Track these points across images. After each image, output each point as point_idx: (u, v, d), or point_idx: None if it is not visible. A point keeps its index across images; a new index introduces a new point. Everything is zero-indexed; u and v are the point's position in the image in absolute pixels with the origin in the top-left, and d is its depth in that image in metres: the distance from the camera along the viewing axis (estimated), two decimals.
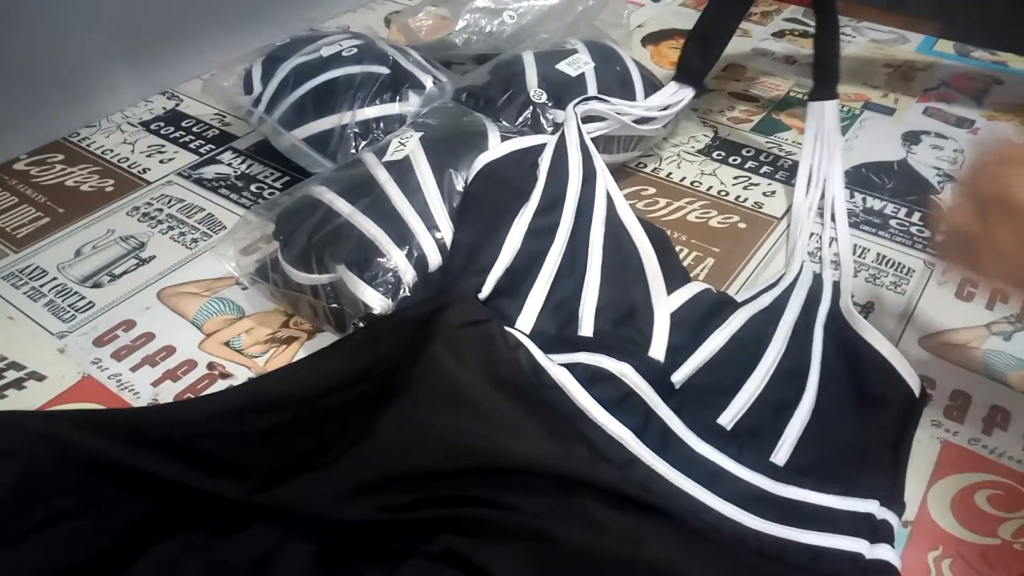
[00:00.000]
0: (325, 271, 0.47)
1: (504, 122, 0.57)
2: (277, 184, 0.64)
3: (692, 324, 0.45)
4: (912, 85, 0.76)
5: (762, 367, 0.45)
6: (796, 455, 0.42)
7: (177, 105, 0.75)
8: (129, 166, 0.67)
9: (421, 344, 0.41)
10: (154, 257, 0.57)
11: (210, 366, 0.49)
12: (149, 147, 0.69)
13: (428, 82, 0.61)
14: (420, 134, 0.51)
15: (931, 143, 0.68)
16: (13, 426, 0.41)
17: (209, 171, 0.66)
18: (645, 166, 0.65)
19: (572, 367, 0.41)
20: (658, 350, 0.43)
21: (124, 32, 0.72)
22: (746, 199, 0.62)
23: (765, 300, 0.49)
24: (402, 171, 0.48)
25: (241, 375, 0.49)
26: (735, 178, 0.64)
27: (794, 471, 0.41)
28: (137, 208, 0.62)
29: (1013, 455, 0.43)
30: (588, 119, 0.56)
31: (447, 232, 0.46)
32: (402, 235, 0.46)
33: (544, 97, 0.58)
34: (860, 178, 0.64)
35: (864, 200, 0.62)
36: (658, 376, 0.42)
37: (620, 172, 0.64)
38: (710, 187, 0.63)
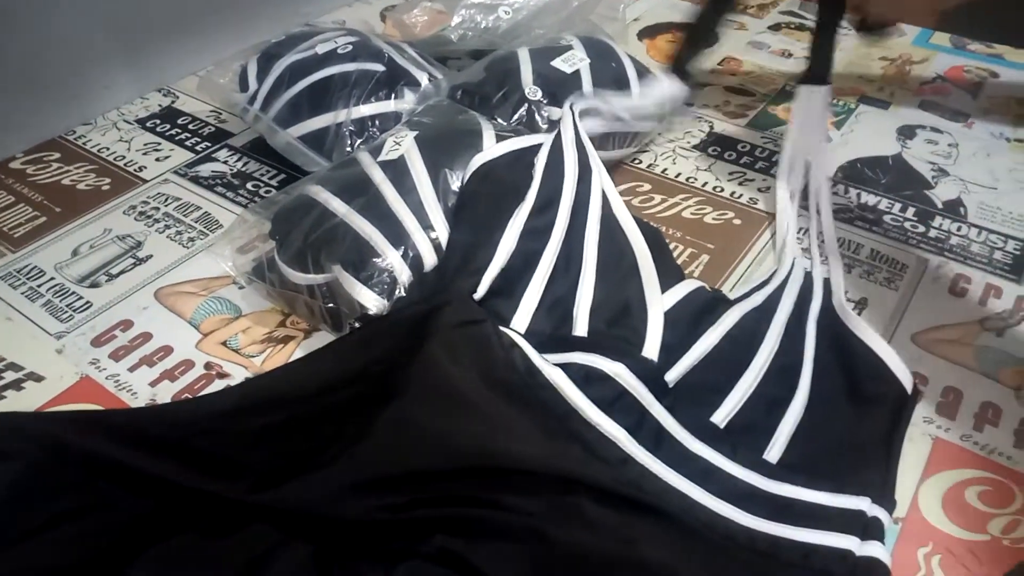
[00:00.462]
0: (321, 271, 0.47)
1: (499, 119, 0.58)
2: (273, 182, 0.64)
3: (686, 322, 0.45)
4: (908, 78, 0.76)
5: (755, 365, 0.45)
6: (789, 452, 0.43)
7: (173, 102, 0.75)
8: (125, 164, 0.67)
9: (417, 345, 0.41)
10: (151, 256, 0.58)
11: (207, 366, 0.49)
12: (145, 145, 0.69)
13: (423, 79, 0.61)
14: (415, 133, 0.51)
15: (926, 137, 0.68)
16: (13, 427, 0.41)
17: (205, 169, 0.66)
18: (640, 162, 0.66)
19: (566, 367, 0.41)
20: (652, 349, 0.43)
21: (120, 30, 0.72)
22: (741, 195, 0.62)
23: (758, 298, 0.50)
24: (397, 171, 0.49)
25: (238, 375, 0.49)
26: (730, 174, 0.64)
27: (787, 468, 0.42)
28: (134, 207, 0.62)
29: (1004, 451, 0.44)
30: (586, 115, 0.57)
31: (442, 232, 0.46)
32: (397, 235, 0.46)
33: (539, 94, 0.58)
34: (855, 173, 0.64)
35: (859, 195, 0.62)
36: (652, 375, 0.42)
37: (616, 168, 0.64)
38: (705, 183, 0.63)
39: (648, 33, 0.85)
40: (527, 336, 0.44)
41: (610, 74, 0.61)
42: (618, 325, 0.44)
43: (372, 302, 0.45)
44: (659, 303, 0.45)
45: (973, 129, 0.69)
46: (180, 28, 0.77)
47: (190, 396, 0.48)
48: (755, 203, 0.61)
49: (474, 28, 0.68)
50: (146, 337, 0.52)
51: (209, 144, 0.69)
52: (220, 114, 0.73)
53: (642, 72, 0.64)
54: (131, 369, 0.49)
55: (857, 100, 0.73)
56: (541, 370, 0.41)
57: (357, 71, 0.60)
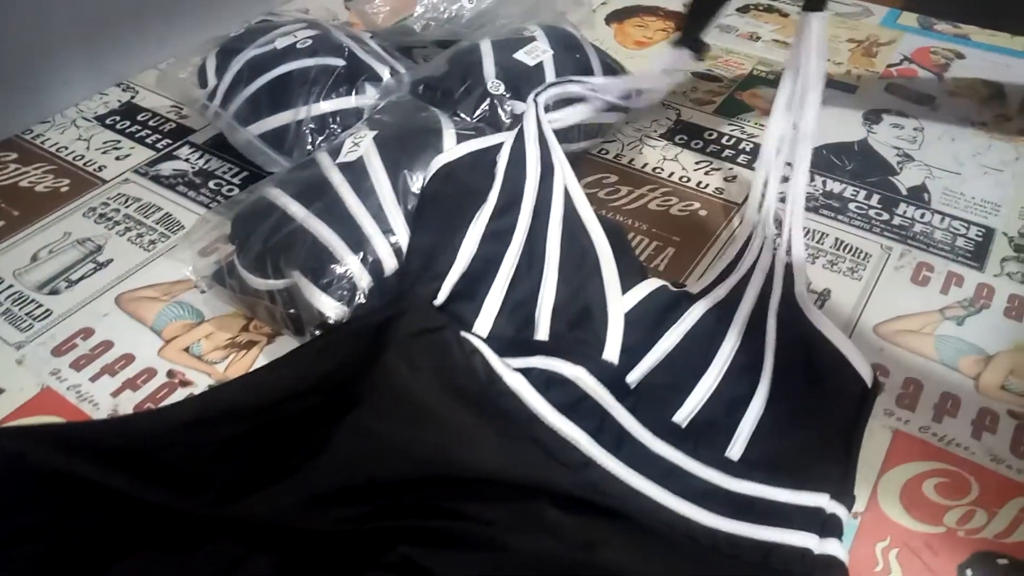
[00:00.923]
0: (281, 276, 0.47)
1: (462, 114, 0.57)
2: (235, 180, 0.64)
3: (647, 323, 0.45)
4: (875, 61, 0.76)
5: (716, 363, 0.45)
6: (750, 449, 0.43)
7: (133, 97, 0.74)
8: (84, 164, 0.66)
9: (376, 354, 0.41)
10: (111, 260, 0.57)
11: (170, 374, 0.49)
12: (104, 143, 0.68)
13: (385, 74, 0.60)
14: (374, 133, 0.50)
15: (892, 122, 0.68)
16: None
17: (166, 167, 0.65)
18: (607, 152, 0.65)
19: (527, 372, 0.41)
20: (612, 352, 0.43)
21: (76, 22, 0.70)
22: (707, 185, 0.62)
23: (720, 292, 0.50)
24: (356, 173, 0.48)
25: (201, 382, 0.49)
26: (697, 163, 0.64)
27: (748, 465, 0.42)
28: (94, 209, 0.61)
29: (961, 442, 0.44)
30: (561, 103, 0.56)
31: (402, 235, 0.46)
32: (357, 240, 0.46)
33: (502, 88, 0.57)
34: (821, 160, 0.64)
35: (824, 183, 0.62)
36: (613, 378, 0.42)
37: (583, 160, 0.64)
38: (672, 173, 0.63)
39: (616, 17, 0.84)
40: (490, 340, 0.44)
41: (574, 66, 0.60)
42: (579, 328, 0.44)
43: (332, 309, 0.44)
44: (619, 305, 0.45)
45: (939, 112, 0.69)
46: (139, 19, 0.75)
47: (152, 406, 0.47)
48: (720, 193, 0.61)
49: (437, 18, 0.67)
50: (107, 345, 0.51)
51: (170, 141, 0.68)
52: (181, 110, 0.72)
53: (608, 64, 0.63)
54: (92, 379, 0.49)
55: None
56: (501, 376, 0.41)
57: (316, 67, 0.59)
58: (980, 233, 0.57)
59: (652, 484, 0.40)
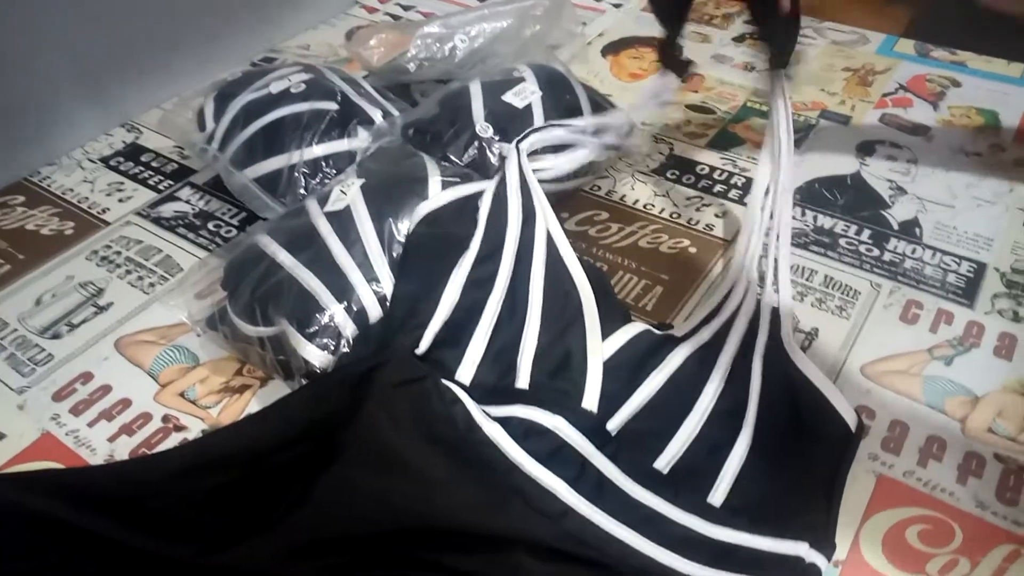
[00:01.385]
0: (270, 324, 0.48)
1: (452, 156, 0.58)
2: (234, 221, 0.65)
3: (628, 368, 0.46)
4: (870, 90, 0.76)
5: (698, 408, 0.45)
6: (732, 495, 0.43)
7: (137, 138, 0.76)
8: (89, 207, 0.67)
9: (359, 403, 0.42)
10: (112, 304, 0.58)
11: (165, 419, 0.50)
12: (109, 185, 0.70)
13: (377, 117, 0.62)
14: (361, 181, 0.51)
15: (885, 153, 0.68)
16: None
17: (167, 209, 0.67)
18: (599, 189, 0.66)
19: (507, 421, 0.42)
20: (591, 401, 0.44)
21: (81, 66, 0.72)
22: (698, 221, 0.62)
23: (705, 335, 0.50)
24: (342, 221, 0.49)
25: (194, 427, 0.50)
26: (688, 199, 0.65)
27: (730, 511, 0.42)
28: (96, 252, 0.63)
29: (946, 488, 0.44)
30: (546, 150, 0.57)
31: (387, 283, 0.47)
32: (342, 288, 0.46)
33: (490, 131, 0.58)
34: (812, 194, 0.64)
35: (815, 218, 0.62)
36: (592, 426, 0.43)
37: (574, 197, 0.65)
38: (663, 209, 0.64)
39: (612, 49, 0.85)
40: (472, 388, 0.45)
41: (563, 106, 0.61)
42: (559, 376, 0.45)
43: (316, 358, 0.45)
44: (599, 353, 0.45)
45: (932, 143, 0.69)
46: (142, 60, 0.77)
47: (147, 451, 0.48)
48: (711, 229, 0.61)
49: (430, 58, 0.69)
50: (106, 390, 0.52)
51: (172, 182, 0.70)
52: (183, 150, 0.73)
53: (597, 103, 0.64)
54: (90, 424, 0.50)
55: (818, 115, 0.73)
56: (481, 426, 0.41)
57: (309, 111, 0.60)
58: (972, 269, 0.57)
59: (631, 532, 0.40)
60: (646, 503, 0.42)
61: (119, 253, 0.63)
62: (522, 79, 0.62)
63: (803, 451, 0.45)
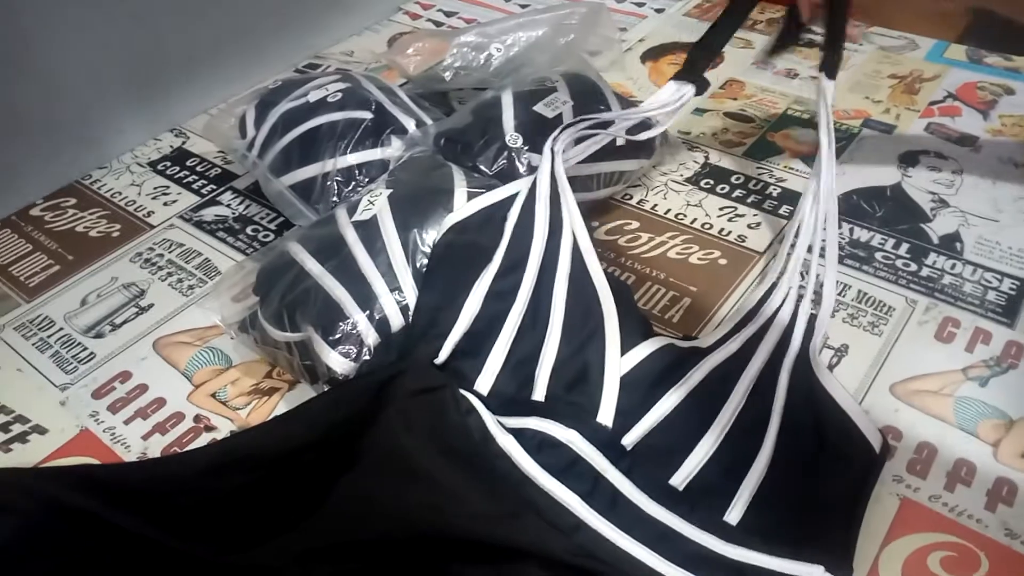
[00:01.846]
0: (297, 330, 0.49)
1: (482, 166, 0.58)
2: (272, 225, 0.67)
3: (647, 384, 0.46)
4: (916, 98, 0.74)
5: (717, 425, 0.45)
6: (750, 514, 0.43)
7: (184, 143, 0.78)
8: (135, 210, 0.70)
9: (378, 411, 0.43)
10: (152, 305, 0.60)
11: (196, 418, 0.52)
12: (155, 188, 0.72)
13: (411, 126, 0.62)
14: (389, 192, 0.52)
15: (929, 164, 0.66)
16: (10, 483, 0.44)
17: (209, 213, 0.69)
18: (631, 198, 0.66)
19: (521, 433, 0.42)
20: (606, 415, 0.44)
21: (132, 73, 0.75)
22: (729, 232, 0.62)
23: (732, 346, 0.50)
24: (369, 231, 0.50)
25: (224, 427, 0.51)
26: (721, 209, 0.64)
27: (746, 531, 0.42)
28: (140, 254, 0.65)
29: (973, 514, 0.43)
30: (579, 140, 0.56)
31: (409, 293, 0.48)
32: (365, 297, 0.47)
33: (520, 141, 0.58)
34: (850, 206, 0.63)
35: (851, 231, 0.61)
36: (606, 440, 0.43)
37: (605, 205, 0.64)
38: (694, 219, 0.63)
39: (652, 55, 0.84)
40: (490, 398, 0.45)
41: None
42: (575, 390, 0.45)
43: (339, 365, 0.46)
44: (617, 368, 0.45)
45: (980, 154, 0.67)
46: (190, 66, 0.80)
47: (178, 450, 0.50)
48: (743, 240, 0.61)
49: (466, 66, 0.69)
50: (142, 389, 0.54)
51: (214, 187, 0.72)
52: (226, 155, 0.75)
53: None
54: (126, 422, 0.52)
55: (860, 124, 0.72)
56: (495, 438, 0.42)
57: (344, 120, 0.61)
58: (1014, 286, 0.55)
59: (644, 548, 0.40)
60: (660, 519, 0.42)
61: (161, 256, 0.65)
62: (554, 89, 0.62)
63: (824, 471, 0.44)
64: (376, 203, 0.51)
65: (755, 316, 0.53)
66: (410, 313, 0.47)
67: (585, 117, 0.57)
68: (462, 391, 0.44)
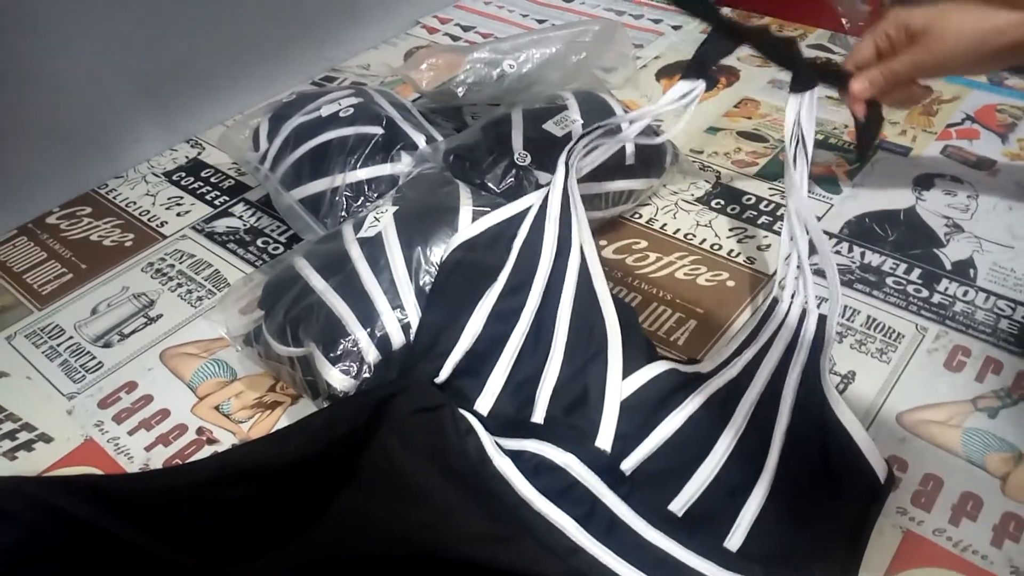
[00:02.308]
0: (299, 345, 0.49)
1: (490, 184, 0.58)
2: (282, 238, 0.67)
3: (648, 408, 0.45)
4: (934, 120, 0.73)
5: (718, 449, 0.44)
6: (750, 540, 0.42)
7: (200, 154, 0.79)
8: (149, 219, 0.71)
9: (376, 429, 0.43)
10: (161, 316, 0.61)
11: (199, 431, 0.52)
12: (169, 199, 0.73)
13: (421, 142, 0.62)
14: (395, 209, 0.52)
15: (944, 188, 0.65)
16: (14, 490, 0.45)
17: (221, 224, 0.69)
18: (640, 216, 0.65)
19: (519, 455, 0.42)
20: (605, 440, 0.43)
21: (149, 83, 0.76)
22: (739, 253, 0.61)
23: (733, 370, 0.49)
24: (373, 248, 0.50)
25: (226, 440, 0.51)
26: (731, 230, 0.63)
27: (746, 558, 0.41)
28: (151, 264, 0.66)
29: (978, 549, 0.42)
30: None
31: (411, 311, 0.48)
32: (367, 314, 0.47)
33: (528, 160, 0.58)
34: (862, 229, 0.62)
35: (862, 255, 0.60)
36: (604, 465, 0.42)
37: (614, 223, 0.64)
38: (703, 240, 0.63)
39: (667, 72, 0.84)
40: (490, 418, 0.45)
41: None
42: (574, 413, 0.44)
43: (339, 381, 0.46)
44: (618, 392, 0.45)
45: (997, 178, 0.66)
46: (207, 77, 0.81)
47: (180, 462, 0.50)
48: (752, 262, 0.60)
49: (479, 82, 0.69)
50: (147, 400, 0.55)
51: (227, 198, 0.72)
52: (240, 167, 0.76)
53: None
54: (131, 432, 0.52)
55: (877, 146, 0.71)
56: (492, 460, 0.41)
57: (355, 135, 0.62)
58: None
59: (641, 574, 0.40)
60: (658, 545, 0.41)
61: (172, 266, 0.66)
62: (565, 107, 0.62)
63: (826, 500, 0.43)
64: (382, 220, 0.51)
65: (756, 337, 0.52)
66: (412, 331, 0.47)
67: (598, 125, 0.56)
68: (461, 411, 0.43)
